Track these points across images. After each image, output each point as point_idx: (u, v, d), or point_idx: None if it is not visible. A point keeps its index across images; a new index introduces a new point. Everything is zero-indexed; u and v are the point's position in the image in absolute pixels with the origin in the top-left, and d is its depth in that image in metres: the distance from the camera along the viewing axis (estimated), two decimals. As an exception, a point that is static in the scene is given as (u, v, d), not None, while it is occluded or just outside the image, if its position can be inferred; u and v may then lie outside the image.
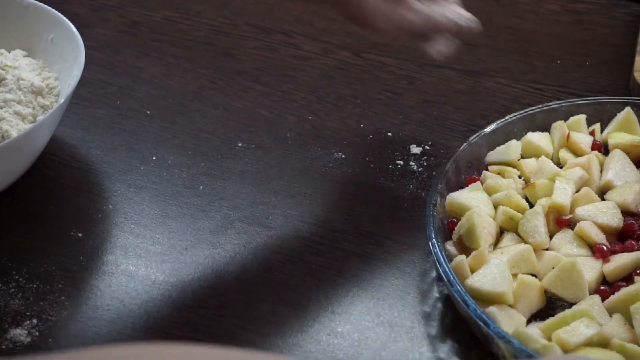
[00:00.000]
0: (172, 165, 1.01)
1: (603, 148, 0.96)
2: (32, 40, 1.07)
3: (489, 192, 0.90)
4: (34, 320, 0.83)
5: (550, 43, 1.21)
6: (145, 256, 0.90)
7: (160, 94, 1.12)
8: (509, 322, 0.77)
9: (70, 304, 0.85)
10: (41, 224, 0.94)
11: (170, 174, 1.00)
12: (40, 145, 0.96)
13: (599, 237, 0.84)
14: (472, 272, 0.81)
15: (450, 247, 0.85)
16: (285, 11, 1.28)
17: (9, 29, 1.08)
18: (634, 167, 0.91)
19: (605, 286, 0.81)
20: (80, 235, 0.92)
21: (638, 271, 0.81)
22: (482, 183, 0.91)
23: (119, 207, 0.95)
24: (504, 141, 0.96)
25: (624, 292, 0.78)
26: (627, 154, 0.93)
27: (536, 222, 0.84)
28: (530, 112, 0.98)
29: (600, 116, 0.99)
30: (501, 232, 0.87)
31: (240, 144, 1.04)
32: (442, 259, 0.80)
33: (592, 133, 0.97)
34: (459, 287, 0.78)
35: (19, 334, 0.81)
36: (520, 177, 0.93)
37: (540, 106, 0.98)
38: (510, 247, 0.84)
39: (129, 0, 1.31)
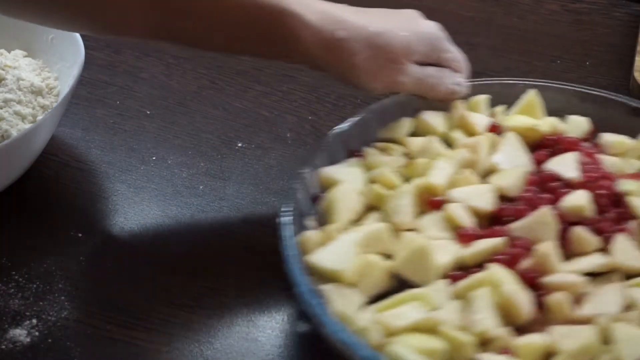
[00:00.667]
0: (172, 165, 1.01)
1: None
2: (32, 40, 1.07)
3: (369, 168, 0.86)
4: (34, 320, 0.83)
5: (550, 43, 1.21)
6: (145, 256, 0.90)
7: (160, 94, 1.12)
8: (342, 301, 0.73)
9: (70, 304, 0.85)
10: (41, 224, 0.93)
11: (170, 174, 1.00)
12: (40, 145, 0.96)
13: (467, 221, 0.80)
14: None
15: (311, 222, 0.81)
16: (285, 11, 1.28)
17: (9, 29, 1.08)
18: (525, 152, 0.87)
19: (460, 271, 0.76)
20: (80, 235, 0.92)
21: (497, 258, 0.76)
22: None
23: (119, 207, 0.95)
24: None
25: (470, 278, 0.75)
26: (524, 137, 0.88)
27: (402, 201, 0.80)
28: None
29: (510, 98, 0.94)
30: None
31: (240, 144, 1.04)
32: (284, 232, 0.77)
33: (491, 115, 0.93)
34: (292, 263, 0.74)
35: (19, 334, 0.81)
36: (406, 155, 0.89)
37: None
38: (369, 225, 0.80)
39: (129, 0, 1.31)
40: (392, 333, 0.71)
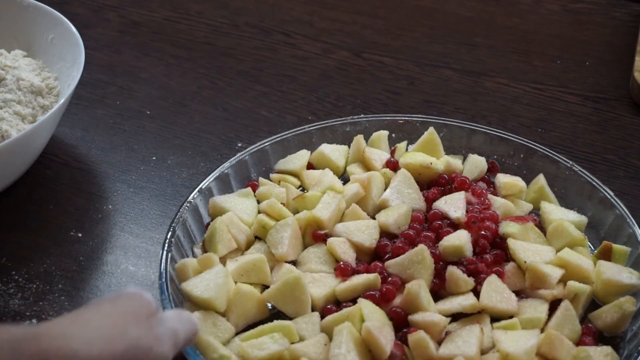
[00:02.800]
0: (172, 165, 1.01)
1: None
2: (32, 40, 1.07)
3: (261, 199, 0.87)
4: (34, 321, 0.83)
5: (550, 43, 1.21)
6: (145, 256, 0.90)
7: (160, 94, 1.12)
8: (211, 329, 0.74)
9: (70, 304, 0.85)
10: (41, 224, 0.94)
11: (170, 174, 1.00)
12: (40, 146, 0.97)
13: (348, 255, 0.81)
14: None
15: (197, 249, 0.84)
16: (285, 11, 1.28)
17: (9, 29, 1.08)
18: (416, 189, 0.88)
19: (334, 305, 0.78)
20: (80, 235, 0.92)
21: (369, 294, 0.77)
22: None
23: (119, 207, 0.95)
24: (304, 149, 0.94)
25: (338, 313, 0.75)
26: (419, 174, 0.89)
27: (283, 234, 0.81)
28: (331, 123, 0.95)
29: (411, 135, 0.95)
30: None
31: (240, 144, 1.03)
32: (163, 258, 0.78)
33: (393, 151, 0.93)
34: (166, 291, 0.76)
35: (19, 334, 0.81)
36: (301, 187, 0.90)
37: (350, 118, 0.96)
38: (247, 255, 0.82)
39: (129, 0, 1.31)
40: None
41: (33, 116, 0.97)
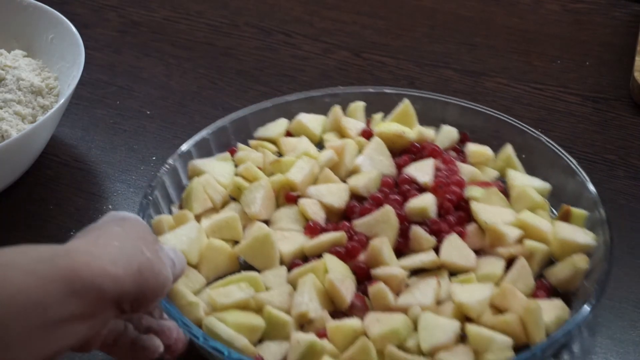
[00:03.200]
0: (172, 165, 1.01)
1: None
2: (32, 40, 1.07)
3: (239, 163, 0.92)
4: (34, 320, 0.83)
5: (550, 43, 1.21)
6: (145, 256, 0.90)
7: (160, 94, 1.12)
8: (182, 279, 0.79)
9: (70, 304, 0.85)
10: (41, 224, 0.93)
11: (170, 174, 1.00)
12: (40, 146, 0.97)
13: (318, 215, 0.85)
14: None
15: (174, 208, 0.88)
16: (285, 11, 1.28)
17: (9, 29, 1.08)
18: (388, 156, 0.92)
19: (302, 260, 0.82)
20: (80, 235, 0.92)
21: (334, 250, 0.82)
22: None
23: (118, 207, 0.95)
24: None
25: (304, 266, 0.80)
26: (393, 143, 0.93)
27: (256, 194, 0.86)
28: (311, 94, 0.99)
29: (388, 107, 0.98)
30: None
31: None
32: (141, 213, 0.83)
33: (369, 121, 0.97)
34: None
35: (19, 334, 0.81)
36: (278, 154, 0.94)
37: (328, 89, 1.00)
38: (221, 214, 0.86)
39: (129, 0, 1.31)
40: (217, 309, 0.77)
41: (33, 116, 0.97)
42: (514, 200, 0.88)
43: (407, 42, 1.22)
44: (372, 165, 0.90)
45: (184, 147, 0.91)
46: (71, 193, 0.98)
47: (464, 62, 1.17)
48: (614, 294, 0.85)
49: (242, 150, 0.93)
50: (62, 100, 0.93)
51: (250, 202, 0.86)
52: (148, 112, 1.09)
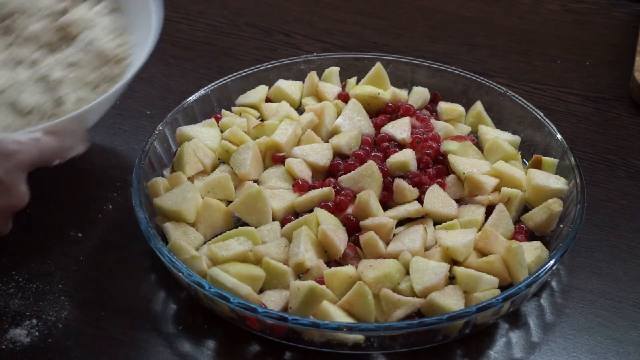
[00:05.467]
0: (172, 165, 1.01)
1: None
2: None
3: (224, 128, 0.96)
4: (34, 320, 0.83)
5: (550, 43, 1.21)
6: (145, 256, 0.90)
7: (160, 94, 1.12)
8: (182, 237, 0.84)
9: (70, 304, 0.85)
10: (41, 224, 0.93)
11: (170, 174, 1.00)
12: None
13: (304, 174, 0.90)
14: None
15: (166, 172, 0.93)
16: (285, 11, 1.28)
17: None
18: (365, 116, 0.98)
19: (292, 216, 0.88)
20: (80, 235, 0.92)
21: (324, 204, 0.87)
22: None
23: (119, 208, 0.95)
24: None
25: (297, 220, 0.86)
26: (368, 104, 0.99)
27: (244, 156, 0.91)
28: (287, 61, 1.06)
29: (361, 72, 1.05)
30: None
31: (240, 144, 1.03)
32: (136, 177, 0.88)
33: (344, 85, 1.03)
34: (138, 199, 0.86)
35: (19, 334, 0.81)
36: (260, 118, 0.99)
37: (304, 56, 1.07)
38: (213, 175, 0.91)
39: (129, 0, 1.31)
40: (218, 262, 0.82)
41: (94, 85, 0.91)
42: (487, 152, 0.95)
43: (407, 42, 1.22)
44: (351, 124, 0.96)
45: (171, 115, 0.97)
46: (71, 193, 0.98)
47: (464, 62, 1.17)
48: (614, 293, 0.85)
49: (226, 117, 0.99)
50: (126, 77, 0.87)
51: (239, 163, 0.91)
52: (148, 112, 1.09)
